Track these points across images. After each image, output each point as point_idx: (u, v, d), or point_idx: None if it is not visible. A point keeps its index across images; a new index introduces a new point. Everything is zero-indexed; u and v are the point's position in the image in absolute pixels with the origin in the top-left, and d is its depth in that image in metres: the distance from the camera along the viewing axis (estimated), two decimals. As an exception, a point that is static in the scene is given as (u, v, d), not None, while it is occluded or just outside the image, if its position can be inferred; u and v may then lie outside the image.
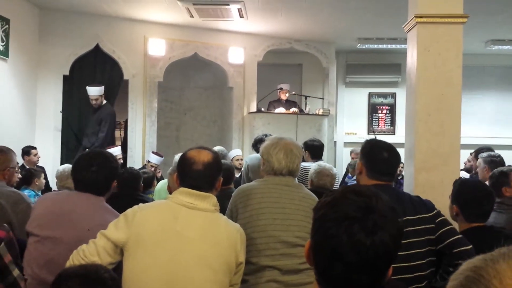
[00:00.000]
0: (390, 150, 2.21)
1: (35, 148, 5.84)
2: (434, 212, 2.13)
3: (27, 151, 5.75)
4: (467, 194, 2.41)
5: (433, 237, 2.08)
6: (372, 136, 8.26)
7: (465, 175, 5.11)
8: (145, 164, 6.45)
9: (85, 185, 2.15)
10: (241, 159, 5.99)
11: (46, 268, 1.97)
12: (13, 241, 1.84)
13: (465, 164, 5.33)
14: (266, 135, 4.55)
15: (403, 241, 1.95)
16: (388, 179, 2.19)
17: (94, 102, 6.53)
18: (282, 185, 2.33)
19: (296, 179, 2.49)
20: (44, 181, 4.68)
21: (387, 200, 1.02)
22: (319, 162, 4.10)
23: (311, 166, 3.94)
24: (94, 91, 6.54)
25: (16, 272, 1.76)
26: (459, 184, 2.50)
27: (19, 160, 5.69)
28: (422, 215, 2.10)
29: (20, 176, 4.27)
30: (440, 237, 2.08)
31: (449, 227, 2.12)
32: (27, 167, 5.49)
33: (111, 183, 2.20)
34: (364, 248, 0.95)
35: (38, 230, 2.04)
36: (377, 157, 2.19)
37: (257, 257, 2.17)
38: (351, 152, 8.07)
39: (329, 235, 0.97)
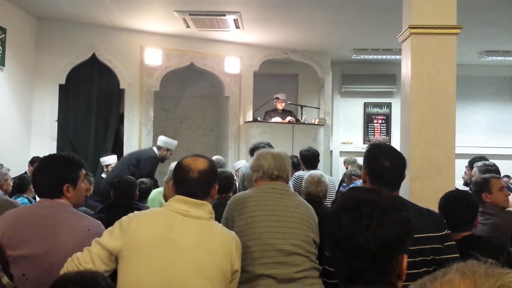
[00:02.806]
0: (392, 158, 2.08)
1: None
2: (444, 233, 2.04)
3: (32, 161, 5.73)
4: (444, 205, 2.42)
5: (438, 258, 2.00)
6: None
7: (460, 184, 5.12)
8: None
9: (37, 188, 2.13)
10: (247, 170, 5.99)
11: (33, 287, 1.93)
12: (1, 248, 1.81)
13: (463, 178, 5.27)
14: (263, 143, 4.58)
15: (409, 260, 1.92)
16: (392, 188, 2.03)
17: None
18: (277, 193, 2.35)
19: (292, 187, 2.51)
20: None
21: (384, 195, 1.13)
22: (312, 171, 4.11)
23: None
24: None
25: (5, 279, 1.73)
26: (442, 197, 2.49)
27: (25, 167, 5.72)
28: (431, 234, 1.99)
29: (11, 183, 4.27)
30: (442, 262, 1.98)
31: (455, 255, 2.02)
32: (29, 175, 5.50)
33: (59, 187, 2.07)
34: (354, 235, 1.06)
35: (7, 251, 1.94)
36: (379, 166, 2.06)
37: (252, 266, 2.16)
38: (344, 162, 8.10)
39: (329, 227, 1.12)
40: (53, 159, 2.17)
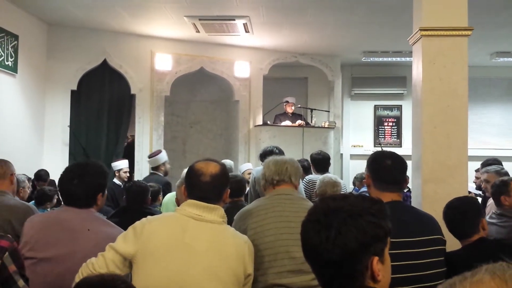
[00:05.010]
0: (393, 158, 2.14)
1: (45, 180, 5.60)
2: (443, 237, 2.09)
3: (39, 176, 5.55)
4: (444, 216, 2.40)
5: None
6: (378, 149, 8.25)
7: (472, 187, 5.08)
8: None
9: (70, 198, 2.14)
10: (253, 173, 6.00)
11: None
12: (17, 251, 1.84)
13: (475, 182, 5.21)
14: (272, 147, 4.57)
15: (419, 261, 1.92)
16: (395, 187, 2.10)
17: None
18: (283, 198, 2.29)
19: (304, 191, 2.48)
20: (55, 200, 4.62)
21: (350, 200, 1.15)
22: (326, 174, 4.12)
23: (318, 178, 3.96)
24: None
25: (21, 283, 1.75)
26: (444, 207, 2.47)
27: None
28: (435, 236, 2.04)
29: (28, 191, 4.27)
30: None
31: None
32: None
33: (94, 197, 2.14)
34: (316, 247, 1.11)
35: (33, 253, 2.02)
36: (380, 165, 2.11)
37: (265, 275, 2.10)
38: None
39: (301, 239, 1.17)
40: (87, 169, 2.20)
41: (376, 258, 1.11)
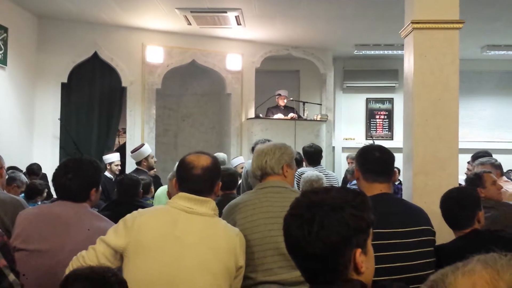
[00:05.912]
0: (380, 150, 2.19)
1: (37, 174, 5.54)
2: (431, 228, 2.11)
3: (31, 170, 5.49)
4: (442, 205, 2.42)
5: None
6: (370, 142, 8.28)
7: (463, 180, 5.10)
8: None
9: (63, 192, 2.16)
10: (246, 167, 5.99)
11: (39, 283, 1.96)
12: (7, 245, 1.82)
13: (467, 174, 5.23)
14: (266, 140, 4.57)
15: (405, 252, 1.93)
16: (384, 179, 2.12)
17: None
18: (273, 191, 2.20)
19: (296, 183, 2.45)
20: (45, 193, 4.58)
21: (333, 193, 1.14)
22: (309, 172, 4.11)
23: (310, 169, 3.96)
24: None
25: (11, 277, 1.75)
26: (442, 196, 2.48)
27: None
28: (425, 227, 2.06)
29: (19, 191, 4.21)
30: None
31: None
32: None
33: (88, 191, 2.16)
34: (299, 241, 1.10)
35: (25, 245, 2.03)
36: (369, 157, 2.16)
37: (255, 273, 2.06)
38: (347, 158, 8.08)
39: (283, 234, 1.17)
40: (82, 164, 2.22)
41: (359, 250, 1.11)
